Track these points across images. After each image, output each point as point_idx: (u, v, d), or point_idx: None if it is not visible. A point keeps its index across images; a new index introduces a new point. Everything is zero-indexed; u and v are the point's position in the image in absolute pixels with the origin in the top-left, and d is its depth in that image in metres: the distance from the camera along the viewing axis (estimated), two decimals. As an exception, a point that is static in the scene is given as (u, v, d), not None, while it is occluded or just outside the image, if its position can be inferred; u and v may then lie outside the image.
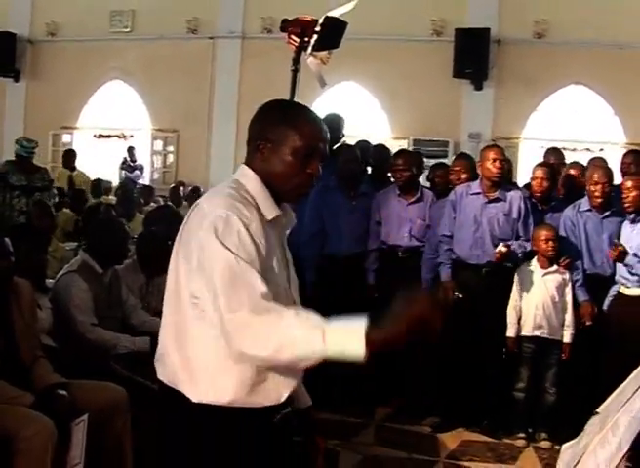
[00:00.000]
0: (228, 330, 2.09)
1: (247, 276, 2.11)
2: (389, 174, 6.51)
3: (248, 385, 2.18)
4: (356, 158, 6.39)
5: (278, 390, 2.23)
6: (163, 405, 2.28)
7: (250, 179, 2.30)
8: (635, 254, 5.41)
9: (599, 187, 5.73)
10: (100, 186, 10.93)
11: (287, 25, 5.12)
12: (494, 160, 5.77)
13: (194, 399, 2.19)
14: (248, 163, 2.34)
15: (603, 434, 2.16)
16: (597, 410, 2.46)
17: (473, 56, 10.68)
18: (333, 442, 5.21)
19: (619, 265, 5.58)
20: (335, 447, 5.20)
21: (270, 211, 2.27)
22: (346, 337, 2.02)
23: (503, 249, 5.57)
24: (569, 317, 5.70)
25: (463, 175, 6.17)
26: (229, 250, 2.12)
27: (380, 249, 6.26)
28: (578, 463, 2.19)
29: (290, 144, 2.27)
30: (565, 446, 2.55)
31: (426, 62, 10.99)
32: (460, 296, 5.74)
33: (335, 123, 6.57)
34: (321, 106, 10.61)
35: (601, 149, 10.39)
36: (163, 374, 2.28)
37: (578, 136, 10.89)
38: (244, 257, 2.13)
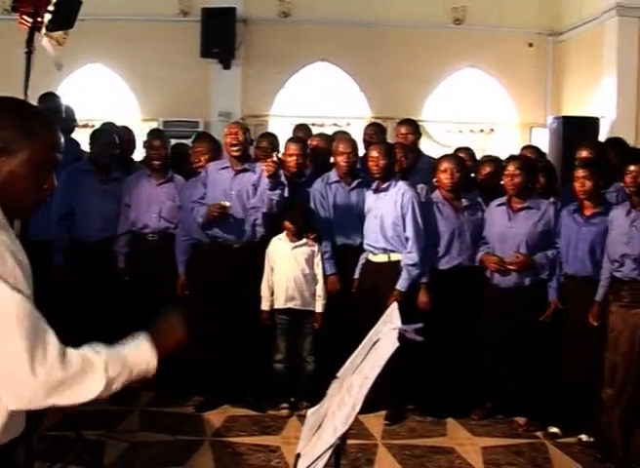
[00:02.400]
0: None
1: (41, 324, 1.87)
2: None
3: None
4: (113, 142, 6.21)
5: (20, 422, 2.03)
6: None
7: None
8: (382, 220, 5.73)
9: (344, 157, 5.93)
10: None
11: (18, 5, 4.84)
12: (229, 134, 5.85)
13: None
14: None
15: (341, 396, 2.24)
16: (337, 375, 2.54)
17: (220, 35, 10.66)
18: (96, 432, 5.13)
19: (366, 234, 5.84)
20: (99, 437, 5.10)
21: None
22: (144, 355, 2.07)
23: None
24: (320, 288, 5.87)
25: (204, 157, 6.17)
26: (16, 290, 1.83)
27: (130, 232, 6.14)
28: (319, 427, 2.27)
29: (26, 157, 1.93)
30: (310, 411, 2.62)
31: (174, 43, 10.84)
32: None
33: (70, 112, 6.40)
34: (66, 91, 10.26)
35: (348, 124, 10.72)
36: None
37: (325, 112, 11.18)
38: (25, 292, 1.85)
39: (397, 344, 2.21)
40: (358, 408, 2.08)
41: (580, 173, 5.38)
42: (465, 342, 5.82)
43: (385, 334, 2.38)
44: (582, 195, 5.38)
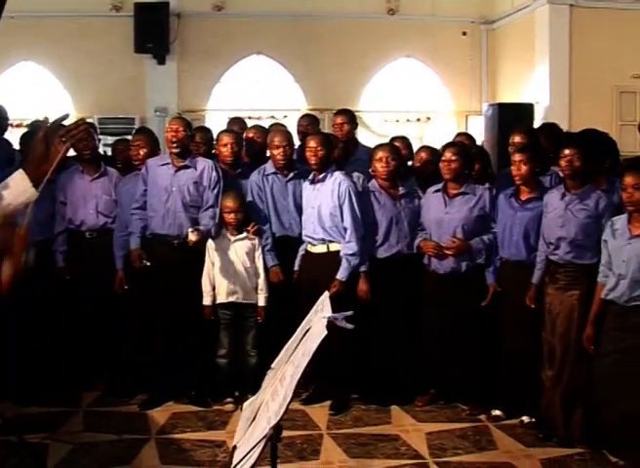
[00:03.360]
0: None
1: None
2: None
3: None
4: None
5: None
6: None
7: None
8: (319, 211, 5.75)
9: (280, 150, 5.93)
10: None
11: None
12: (169, 130, 5.81)
13: None
14: None
15: (274, 387, 2.23)
16: (272, 365, 2.53)
17: (154, 30, 10.57)
18: (39, 435, 5.05)
19: (304, 225, 5.88)
20: (42, 440, 5.02)
21: None
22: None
23: (193, 238, 5.58)
24: (261, 281, 5.87)
25: (143, 151, 6.11)
26: None
27: (67, 230, 6.06)
28: (254, 419, 2.25)
29: None
30: (246, 403, 2.61)
31: (107, 38, 10.72)
32: (148, 264, 5.76)
33: (2, 111, 6.28)
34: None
35: (285, 116, 10.75)
36: None
37: (262, 105, 11.17)
38: None
39: (325, 332, 2.20)
40: (289, 397, 2.07)
41: (516, 157, 5.42)
42: (406, 329, 5.85)
43: (315, 324, 2.40)
44: (519, 180, 5.43)
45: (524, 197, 5.47)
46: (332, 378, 5.81)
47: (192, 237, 5.57)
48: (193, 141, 6.18)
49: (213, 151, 6.30)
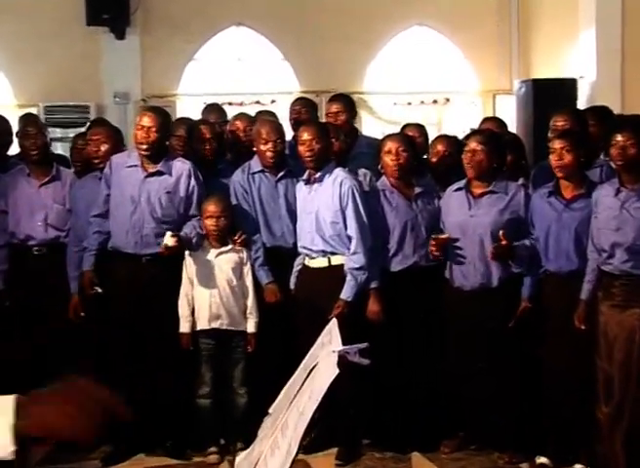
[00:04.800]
0: None
1: None
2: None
3: None
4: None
5: None
6: None
7: None
8: (317, 217, 5.75)
9: (270, 146, 5.92)
10: None
11: None
12: (139, 128, 5.76)
13: None
14: None
15: (274, 437, 2.21)
16: (269, 410, 2.52)
17: (110, -3, 10.55)
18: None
19: (300, 234, 5.88)
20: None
21: None
22: None
23: (170, 243, 5.56)
24: (251, 303, 5.86)
25: (104, 147, 6.09)
26: None
27: (9, 245, 6.06)
28: (251, 475, 2.23)
29: None
30: (239, 457, 2.59)
31: (53, 9, 10.66)
32: (100, 291, 5.77)
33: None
34: None
35: (273, 101, 10.81)
36: None
37: (245, 88, 11.15)
38: None
39: (337, 371, 2.17)
40: (294, 451, 2.05)
41: (557, 144, 5.39)
42: (427, 359, 5.85)
43: (323, 359, 2.35)
44: (560, 172, 5.40)
45: (568, 195, 5.45)
46: (339, 419, 5.76)
47: (169, 241, 5.54)
48: (174, 135, 6.19)
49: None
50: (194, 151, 6.20)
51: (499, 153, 5.80)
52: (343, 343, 2.34)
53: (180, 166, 5.86)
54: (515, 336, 5.59)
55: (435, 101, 11.57)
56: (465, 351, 5.71)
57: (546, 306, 5.54)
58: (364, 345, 2.36)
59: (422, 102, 11.47)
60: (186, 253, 5.80)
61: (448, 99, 11.62)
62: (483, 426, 5.83)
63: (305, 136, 5.78)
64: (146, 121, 5.74)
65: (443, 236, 5.68)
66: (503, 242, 5.48)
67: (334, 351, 2.30)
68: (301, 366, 2.49)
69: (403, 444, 5.88)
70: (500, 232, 5.47)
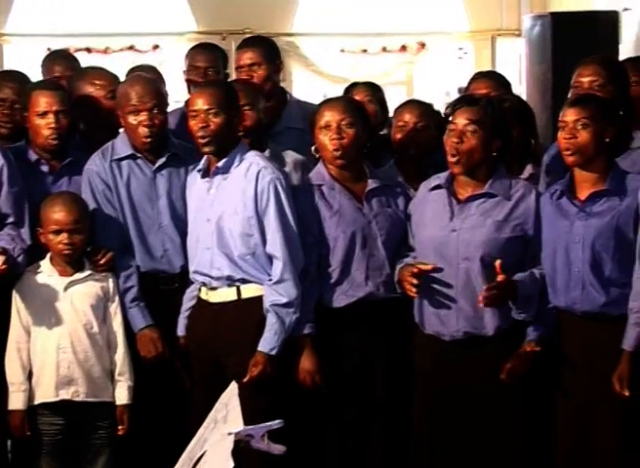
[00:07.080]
0: None
1: None
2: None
3: None
4: None
5: None
6: None
7: None
8: (220, 227, 5.61)
9: (144, 117, 5.78)
10: None
11: None
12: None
13: None
14: None
15: None
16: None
17: None
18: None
19: (192, 253, 5.81)
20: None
21: None
22: None
23: None
24: (121, 358, 5.72)
25: None
26: None
27: None
28: None
29: None
30: None
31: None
32: None
33: None
34: None
35: (156, 46, 10.99)
36: None
37: (113, 27, 11.39)
38: None
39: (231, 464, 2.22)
40: None
41: (568, 115, 5.16)
42: (388, 440, 5.73)
43: (213, 446, 2.36)
44: (571, 157, 5.15)
45: (584, 193, 5.21)
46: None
47: None
48: None
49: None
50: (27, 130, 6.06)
51: (499, 132, 5.48)
52: (253, 420, 2.36)
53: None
54: (516, 405, 5.40)
55: (404, 48, 11.51)
56: (444, 426, 5.52)
57: (563, 358, 5.35)
58: (276, 423, 2.46)
59: (385, 49, 11.41)
60: (17, 287, 5.65)
61: (423, 45, 11.56)
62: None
63: (200, 103, 5.58)
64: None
65: (427, 266, 5.38)
66: (500, 277, 5.19)
67: (229, 433, 2.33)
68: (185, 452, 2.55)
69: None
70: (497, 262, 5.19)
